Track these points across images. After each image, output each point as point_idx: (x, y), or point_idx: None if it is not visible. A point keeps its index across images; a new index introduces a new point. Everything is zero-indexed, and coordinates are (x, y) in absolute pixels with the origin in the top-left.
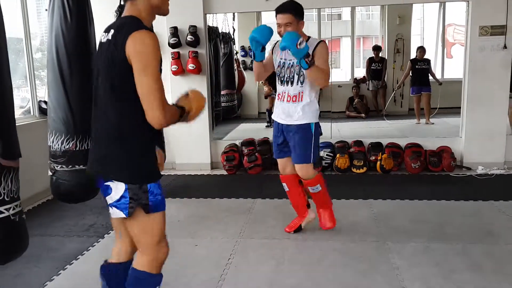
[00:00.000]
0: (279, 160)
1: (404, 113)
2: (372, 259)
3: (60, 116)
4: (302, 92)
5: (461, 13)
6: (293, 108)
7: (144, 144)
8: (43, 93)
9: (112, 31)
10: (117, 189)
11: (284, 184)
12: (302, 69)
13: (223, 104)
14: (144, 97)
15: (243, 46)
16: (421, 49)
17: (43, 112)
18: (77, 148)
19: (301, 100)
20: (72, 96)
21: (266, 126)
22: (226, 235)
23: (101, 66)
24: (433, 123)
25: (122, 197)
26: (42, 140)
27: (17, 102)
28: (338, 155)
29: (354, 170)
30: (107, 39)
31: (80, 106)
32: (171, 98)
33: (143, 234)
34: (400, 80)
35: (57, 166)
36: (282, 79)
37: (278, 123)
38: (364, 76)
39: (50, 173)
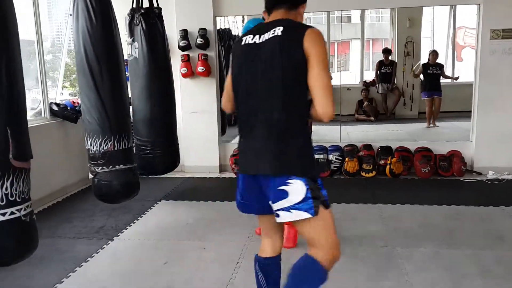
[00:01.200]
0: None
1: (414, 116)
2: (381, 263)
3: (96, 117)
4: None
5: (472, 16)
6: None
7: (310, 138)
8: (54, 95)
9: (277, 29)
10: (297, 190)
11: None
12: None
13: None
14: (320, 90)
15: None
16: (434, 53)
17: (54, 114)
18: (116, 148)
19: None
20: (105, 96)
21: None
22: (234, 238)
23: (265, 61)
24: (437, 126)
25: (305, 197)
26: (53, 142)
27: (28, 104)
28: (347, 159)
29: (363, 174)
30: (274, 36)
31: (113, 106)
32: (180, 101)
33: (324, 231)
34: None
35: (97, 168)
36: None
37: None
38: (373, 79)
39: (91, 176)
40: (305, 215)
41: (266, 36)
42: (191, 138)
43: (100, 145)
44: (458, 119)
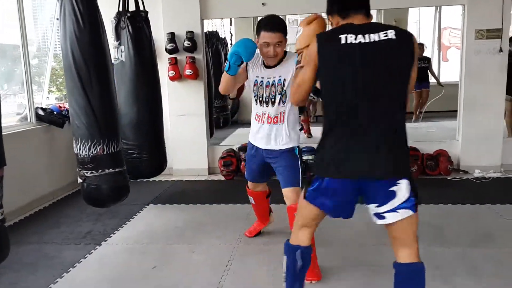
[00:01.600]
0: (253, 183)
1: None
2: (372, 263)
3: (84, 121)
4: (283, 113)
5: (457, 17)
6: (276, 132)
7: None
8: (40, 99)
9: (388, 32)
10: (404, 189)
11: (251, 198)
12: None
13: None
14: (410, 91)
15: None
16: (420, 46)
17: (40, 118)
18: (105, 152)
19: (283, 122)
20: (94, 100)
21: None
22: (224, 241)
23: (380, 62)
24: (421, 118)
25: (409, 196)
26: (39, 147)
27: (13, 109)
28: None
29: None
30: (388, 39)
31: (102, 109)
32: (168, 104)
33: (415, 226)
34: None
35: (87, 173)
36: (260, 99)
37: (258, 148)
38: None
39: (80, 181)
40: (409, 213)
41: (375, 37)
42: (180, 141)
43: (89, 149)
44: (445, 118)
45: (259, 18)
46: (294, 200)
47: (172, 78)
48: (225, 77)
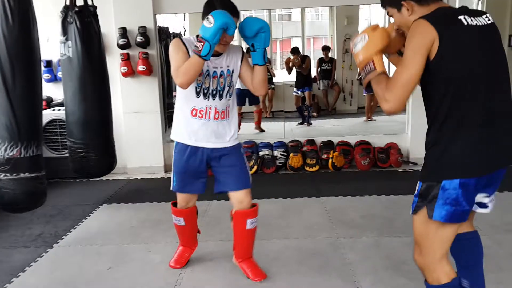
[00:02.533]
0: (185, 195)
1: (353, 111)
2: (326, 255)
3: (3, 121)
4: (229, 107)
5: None
6: (223, 128)
7: None
8: None
9: (486, 16)
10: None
11: (180, 219)
12: (232, 78)
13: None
14: None
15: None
16: None
17: None
18: (22, 155)
19: (229, 117)
20: (16, 101)
21: None
22: None
23: (496, 46)
24: (375, 120)
25: None
26: None
27: None
28: (291, 154)
29: (307, 168)
30: (492, 23)
31: (24, 110)
32: (121, 101)
33: None
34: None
35: (0, 175)
36: (205, 91)
37: (198, 148)
38: (315, 76)
39: None
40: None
41: (482, 21)
42: (134, 139)
43: (5, 150)
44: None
45: None
46: (249, 203)
47: (124, 74)
48: (195, 65)
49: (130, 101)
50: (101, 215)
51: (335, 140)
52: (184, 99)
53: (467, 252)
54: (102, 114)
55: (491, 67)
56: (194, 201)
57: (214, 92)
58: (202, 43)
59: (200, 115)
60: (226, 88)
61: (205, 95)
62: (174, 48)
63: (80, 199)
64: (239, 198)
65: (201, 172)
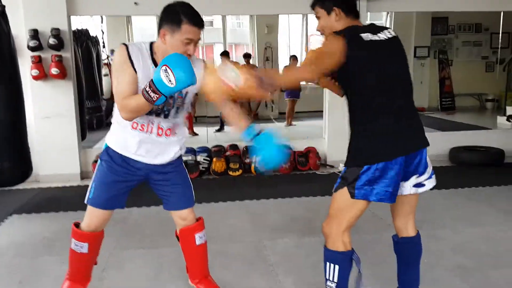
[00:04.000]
0: (102, 212)
1: (275, 116)
2: (250, 258)
3: None
4: (176, 125)
5: None
6: (168, 145)
7: None
8: None
9: (389, 31)
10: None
11: (84, 244)
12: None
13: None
14: None
15: (113, 49)
16: (294, 58)
17: None
18: None
19: (175, 134)
20: None
21: None
22: None
23: (401, 55)
24: (295, 125)
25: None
26: None
27: None
28: (214, 159)
29: (231, 173)
30: (394, 36)
31: None
32: (32, 105)
33: None
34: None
35: None
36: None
37: (137, 162)
38: None
39: None
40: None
41: (384, 36)
42: (47, 145)
43: None
44: (313, 118)
45: (132, 17)
46: (193, 219)
47: (36, 78)
48: (145, 108)
49: (42, 105)
50: (10, 227)
51: None
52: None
53: (408, 253)
54: (14, 118)
55: (400, 70)
56: (106, 223)
57: (159, 112)
58: (158, 96)
59: (141, 129)
60: (174, 110)
61: (151, 112)
62: (119, 66)
63: None
64: (184, 216)
65: (131, 187)
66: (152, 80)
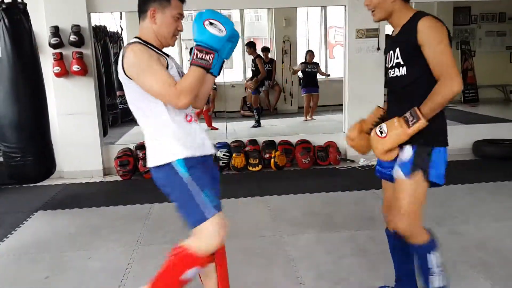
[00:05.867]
0: (222, 215)
1: (294, 111)
2: (270, 253)
3: None
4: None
5: (341, 17)
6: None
7: None
8: None
9: None
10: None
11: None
12: None
13: (120, 106)
14: None
15: None
16: (310, 53)
17: None
18: None
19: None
20: None
21: None
22: (122, 244)
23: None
24: (314, 119)
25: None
26: None
27: None
28: (234, 155)
29: (250, 168)
30: None
31: None
32: (55, 102)
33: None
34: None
35: None
36: None
37: (205, 156)
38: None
39: None
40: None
41: None
42: (70, 142)
43: None
44: (333, 112)
45: None
46: None
47: (58, 75)
48: (205, 81)
49: (64, 102)
50: (36, 223)
51: (277, 139)
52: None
53: (403, 244)
54: (37, 116)
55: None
56: None
57: None
58: (211, 55)
59: (190, 119)
60: None
61: None
62: (147, 58)
63: (13, 207)
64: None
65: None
66: (199, 41)
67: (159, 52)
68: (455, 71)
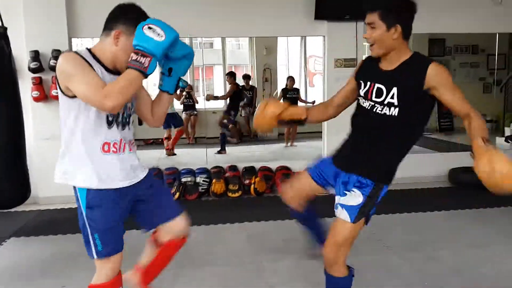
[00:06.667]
0: (119, 254)
1: (274, 137)
2: (250, 280)
3: None
4: (133, 136)
5: (320, 46)
6: (135, 159)
7: None
8: None
9: None
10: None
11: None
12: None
13: None
14: None
15: None
16: (291, 79)
17: None
18: None
19: (134, 147)
20: None
21: None
22: None
23: None
24: (295, 145)
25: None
26: None
27: None
28: (214, 180)
29: (230, 194)
30: None
31: None
32: (32, 127)
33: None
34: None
35: None
36: (117, 119)
37: (121, 189)
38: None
39: None
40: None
41: None
42: (47, 166)
43: None
44: (312, 139)
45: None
46: (186, 228)
47: (36, 99)
48: (136, 83)
49: (42, 127)
50: (8, 250)
51: (257, 165)
52: (90, 131)
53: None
54: (14, 140)
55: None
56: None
57: (124, 121)
58: (148, 58)
59: (115, 149)
60: (131, 115)
61: (117, 124)
62: (75, 64)
63: None
64: (179, 224)
65: (125, 217)
66: (136, 44)
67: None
68: (473, 108)
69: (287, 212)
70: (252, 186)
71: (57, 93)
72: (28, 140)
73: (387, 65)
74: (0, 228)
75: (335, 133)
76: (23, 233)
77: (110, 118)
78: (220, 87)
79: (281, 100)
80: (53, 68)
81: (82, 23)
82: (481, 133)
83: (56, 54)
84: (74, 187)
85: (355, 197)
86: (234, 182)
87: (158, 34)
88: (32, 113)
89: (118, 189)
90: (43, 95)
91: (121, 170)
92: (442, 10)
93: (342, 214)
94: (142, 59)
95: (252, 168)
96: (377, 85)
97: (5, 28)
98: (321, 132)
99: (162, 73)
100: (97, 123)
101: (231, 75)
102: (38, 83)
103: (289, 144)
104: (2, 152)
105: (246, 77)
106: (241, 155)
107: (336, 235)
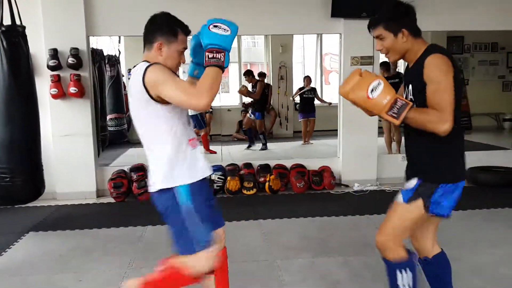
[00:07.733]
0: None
1: (289, 135)
2: (263, 277)
3: None
4: None
5: (336, 44)
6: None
7: None
8: None
9: None
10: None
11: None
12: None
13: (110, 129)
14: None
15: (130, 69)
16: (307, 79)
17: None
18: None
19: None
20: None
21: None
22: (113, 267)
23: None
24: (312, 143)
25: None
26: None
27: None
28: (229, 178)
29: (245, 191)
30: None
31: None
32: (51, 123)
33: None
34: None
35: None
36: (188, 120)
37: (206, 178)
38: (252, 101)
39: None
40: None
41: None
42: (64, 163)
43: None
44: (328, 137)
45: None
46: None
47: (55, 96)
48: (219, 78)
49: (60, 124)
50: (26, 244)
51: (272, 163)
52: (181, 131)
53: (442, 270)
54: (29, 137)
55: None
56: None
57: (189, 119)
58: (222, 53)
59: (195, 144)
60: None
61: (189, 123)
62: (164, 72)
63: (4, 228)
64: (220, 233)
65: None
66: (207, 44)
67: None
68: (447, 115)
69: (301, 210)
70: (267, 183)
71: (75, 90)
72: (47, 137)
73: (410, 64)
74: (19, 223)
75: (351, 131)
76: (41, 228)
77: (187, 118)
78: (235, 84)
79: (297, 98)
80: (71, 66)
81: (100, 22)
82: (418, 112)
83: (74, 52)
84: (168, 189)
85: (411, 182)
86: (249, 179)
87: (225, 30)
88: (51, 110)
89: (205, 178)
90: (62, 93)
91: (205, 161)
92: (461, 7)
93: (398, 197)
94: (218, 55)
95: (267, 166)
96: (405, 86)
97: (24, 27)
98: (337, 130)
99: (197, 64)
100: (184, 123)
101: (248, 74)
102: (57, 81)
103: (305, 141)
104: (17, 149)
105: (262, 75)
106: (256, 152)
107: (388, 217)
